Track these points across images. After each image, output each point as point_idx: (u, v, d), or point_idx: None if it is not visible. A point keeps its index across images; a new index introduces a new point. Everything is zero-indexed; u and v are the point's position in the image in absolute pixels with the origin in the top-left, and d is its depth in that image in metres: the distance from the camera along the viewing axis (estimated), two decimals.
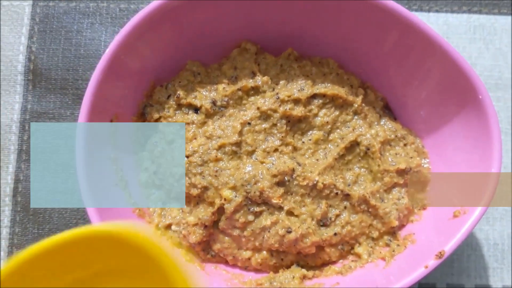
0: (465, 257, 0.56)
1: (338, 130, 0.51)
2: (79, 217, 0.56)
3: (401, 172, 0.50)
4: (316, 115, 0.50)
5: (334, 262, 0.50)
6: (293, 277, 0.47)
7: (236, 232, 0.48)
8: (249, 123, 0.49)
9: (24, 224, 0.56)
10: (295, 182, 0.48)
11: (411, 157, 0.51)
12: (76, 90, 0.58)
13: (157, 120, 0.50)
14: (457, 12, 0.61)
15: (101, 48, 0.59)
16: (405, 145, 0.51)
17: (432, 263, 0.43)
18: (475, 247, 0.57)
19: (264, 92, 0.50)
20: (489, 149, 0.45)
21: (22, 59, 0.59)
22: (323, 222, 0.49)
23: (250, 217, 0.47)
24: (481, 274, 0.56)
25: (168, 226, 0.50)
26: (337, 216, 0.49)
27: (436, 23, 0.60)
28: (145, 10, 0.45)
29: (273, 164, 0.48)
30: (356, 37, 0.50)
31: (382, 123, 0.52)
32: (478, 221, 0.44)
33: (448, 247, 0.43)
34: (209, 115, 0.49)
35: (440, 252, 0.43)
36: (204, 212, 0.48)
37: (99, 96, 0.45)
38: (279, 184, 0.48)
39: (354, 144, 0.50)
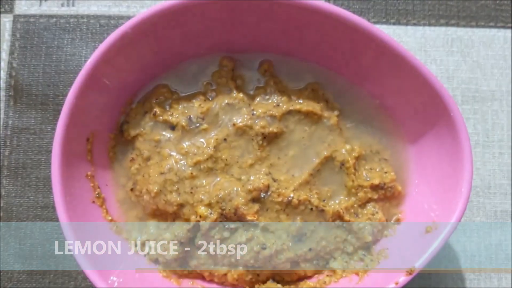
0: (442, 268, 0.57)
1: (314, 146, 0.51)
2: (60, 232, 0.57)
3: (375, 187, 0.50)
4: (292, 131, 0.51)
5: (309, 277, 0.50)
6: None
7: (212, 249, 0.48)
8: (225, 140, 0.49)
9: (6, 239, 0.57)
10: (270, 199, 0.48)
11: (386, 172, 0.51)
12: (56, 105, 0.58)
13: (134, 137, 0.51)
14: (435, 25, 0.61)
15: (82, 63, 0.59)
16: (379, 160, 0.52)
17: (403, 279, 0.44)
18: (453, 259, 0.57)
19: (240, 108, 0.50)
20: (460, 167, 0.45)
21: (3, 75, 0.59)
22: (298, 238, 0.49)
23: (226, 234, 0.48)
24: (459, 285, 0.57)
25: (145, 242, 0.50)
26: (312, 231, 0.49)
27: (413, 36, 0.61)
28: (124, 25, 0.45)
29: (248, 180, 0.49)
30: (332, 54, 0.50)
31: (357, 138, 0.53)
32: (448, 237, 0.44)
33: (419, 264, 0.44)
34: (185, 132, 0.50)
35: (410, 269, 0.44)
36: (180, 229, 0.48)
37: (76, 112, 0.46)
38: (254, 200, 0.48)
39: (330, 159, 0.51)
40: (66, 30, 0.60)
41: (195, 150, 0.49)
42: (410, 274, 0.44)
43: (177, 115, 0.50)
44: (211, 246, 0.48)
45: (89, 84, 0.46)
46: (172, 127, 0.50)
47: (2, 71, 0.59)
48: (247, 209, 0.47)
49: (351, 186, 0.50)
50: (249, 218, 0.47)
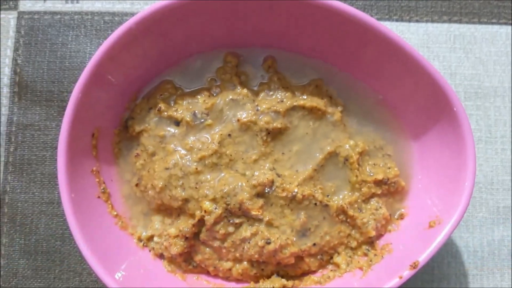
0: (445, 264, 0.57)
1: (318, 141, 0.51)
2: (65, 227, 0.57)
3: (378, 183, 0.51)
4: (296, 126, 0.51)
5: (313, 272, 0.51)
6: (273, 287, 0.48)
7: (216, 243, 0.49)
8: (229, 135, 0.50)
9: (11, 235, 0.57)
10: (275, 194, 0.49)
11: (389, 168, 0.51)
12: (61, 102, 0.59)
13: (139, 133, 0.51)
14: (437, 21, 0.61)
15: (86, 60, 0.59)
16: (383, 155, 0.52)
17: (407, 273, 0.44)
18: (455, 254, 0.58)
19: (244, 104, 0.50)
20: (463, 163, 0.46)
21: (7, 71, 0.59)
22: (302, 233, 0.49)
23: (230, 229, 0.48)
24: (461, 280, 0.57)
25: (150, 238, 0.51)
26: (316, 226, 0.50)
27: (416, 33, 0.61)
28: (129, 22, 0.45)
29: (253, 175, 0.49)
30: (335, 50, 0.50)
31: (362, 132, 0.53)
32: (452, 232, 0.45)
33: (422, 258, 0.44)
34: (189, 128, 0.50)
35: (414, 263, 0.44)
36: (185, 224, 0.49)
37: (81, 108, 0.46)
38: (259, 195, 0.48)
39: (334, 155, 0.51)
40: (70, 26, 0.60)
41: (200, 146, 0.49)
42: (414, 268, 0.44)
43: (181, 111, 0.50)
44: (216, 242, 0.49)
45: (94, 80, 0.46)
46: (177, 123, 0.50)
47: (6, 68, 0.59)
48: (252, 204, 0.48)
49: (354, 181, 0.50)
50: (253, 213, 0.48)
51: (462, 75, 0.61)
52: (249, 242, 0.48)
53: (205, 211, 0.48)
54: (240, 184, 0.48)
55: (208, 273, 0.51)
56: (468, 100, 0.60)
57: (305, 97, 0.51)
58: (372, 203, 0.51)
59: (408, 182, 0.52)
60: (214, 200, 0.48)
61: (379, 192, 0.51)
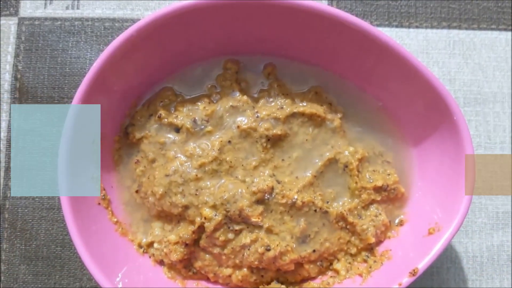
0: (444, 269, 0.58)
1: (318, 148, 0.52)
2: (66, 233, 0.57)
3: (378, 189, 0.51)
4: (296, 133, 0.51)
5: (313, 278, 0.51)
6: None
7: (216, 250, 0.49)
8: (229, 142, 0.50)
9: (12, 240, 0.57)
10: (275, 200, 0.49)
11: (389, 174, 0.52)
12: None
13: (139, 139, 0.51)
14: (437, 27, 0.62)
15: (86, 66, 0.60)
16: (382, 162, 0.52)
17: (406, 280, 0.44)
18: (455, 260, 0.58)
19: (244, 111, 0.51)
20: (462, 170, 0.46)
21: (8, 77, 0.59)
22: (302, 239, 0.50)
23: (230, 235, 0.48)
24: (460, 286, 0.57)
25: (150, 244, 0.51)
26: (316, 233, 0.50)
27: (416, 39, 0.61)
28: (130, 29, 0.45)
29: (253, 182, 0.49)
30: (335, 57, 0.51)
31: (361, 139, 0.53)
32: (451, 240, 0.45)
33: (422, 265, 0.44)
34: (189, 135, 0.50)
35: (414, 270, 0.45)
36: (185, 231, 0.49)
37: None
38: (259, 202, 0.49)
39: (333, 161, 0.51)
40: (71, 32, 0.60)
41: (200, 152, 0.49)
42: (414, 275, 0.44)
43: (182, 118, 0.51)
44: (216, 248, 0.49)
45: (94, 87, 0.46)
46: (177, 130, 0.51)
47: (7, 74, 0.60)
48: (252, 211, 0.48)
49: (354, 188, 0.51)
50: (253, 219, 0.48)
51: (461, 81, 0.61)
52: (249, 249, 0.48)
53: (205, 218, 0.48)
54: (240, 190, 0.48)
55: (208, 279, 0.51)
56: (468, 106, 0.61)
57: (305, 104, 0.51)
58: (371, 209, 0.51)
59: (407, 188, 0.52)
60: (214, 207, 0.48)
61: (378, 198, 0.51)
